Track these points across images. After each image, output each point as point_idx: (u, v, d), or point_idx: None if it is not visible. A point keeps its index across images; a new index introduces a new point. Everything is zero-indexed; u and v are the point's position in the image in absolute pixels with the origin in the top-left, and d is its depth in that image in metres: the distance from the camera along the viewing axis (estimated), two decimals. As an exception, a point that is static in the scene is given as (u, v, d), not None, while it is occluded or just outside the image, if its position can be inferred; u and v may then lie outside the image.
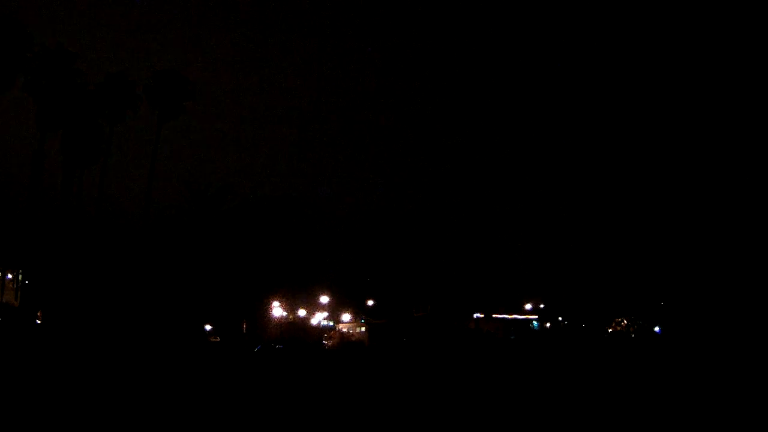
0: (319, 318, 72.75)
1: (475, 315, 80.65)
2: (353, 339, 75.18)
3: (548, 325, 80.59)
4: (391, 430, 18.89)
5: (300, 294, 65.68)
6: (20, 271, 57.40)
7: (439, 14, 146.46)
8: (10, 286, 60.90)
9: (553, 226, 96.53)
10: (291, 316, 67.66)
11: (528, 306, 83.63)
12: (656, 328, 76.00)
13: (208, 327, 60.25)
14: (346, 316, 78.31)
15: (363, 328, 78.67)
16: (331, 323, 78.36)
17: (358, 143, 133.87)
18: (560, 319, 78.86)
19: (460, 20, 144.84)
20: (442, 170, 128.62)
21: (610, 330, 79.56)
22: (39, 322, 53.27)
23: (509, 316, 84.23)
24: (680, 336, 66.88)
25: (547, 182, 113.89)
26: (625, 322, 78.45)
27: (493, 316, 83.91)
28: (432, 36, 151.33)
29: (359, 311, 79.04)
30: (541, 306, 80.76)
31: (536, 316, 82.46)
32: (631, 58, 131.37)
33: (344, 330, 79.49)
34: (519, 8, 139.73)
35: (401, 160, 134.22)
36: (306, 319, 69.92)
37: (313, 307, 69.75)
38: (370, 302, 78.86)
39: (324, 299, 69.57)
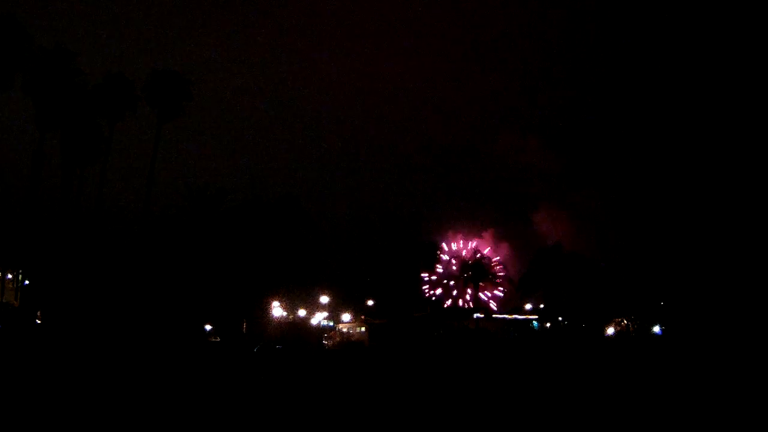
0: (319, 318, 72.63)
1: (475, 315, 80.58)
2: (353, 339, 75.05)
3: (548, 325, 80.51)
4: (392, 430, 18.84)
5: (300, 294, 65.52)
6: (20, 271, 57.37)
7: (437, 16, 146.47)
8: (10, 286, 60.86)
9: (553, 226, 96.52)
10: (291, 316, 67.54)
11: (528, 306, 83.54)
12: (656, 328, 75.91)
13: (208, 327, 60.16)
14: (346, 316, 78.16)
15: (363, 328, 78.49)
16: (331, 323, 78.25)
17: (358, 143, 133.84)
18: (560, 319, 78.77)
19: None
20: (441, 168, 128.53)
21: (610, 330, 79.46)
22: (39, 322, 53.23)
23: (509, 316, 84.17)
24: (680, 336, 66.83)
25: (547, 181, 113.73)
26: (625, 322, 78.35)
27: (493, 316, 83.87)
28: (432, 37, 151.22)
29: (359, 311, 78.92)
30: (541, 306, 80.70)
31: (536, 316, 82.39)
32: (629, 57, 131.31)
33: (344, 330, 79.36)
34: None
35: (401, 161, 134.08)
36: (306, 319, 69.80)
37: (313, 307, 69.61)
38: (370, 302, 78.74)
39: (324, 299, 69.46)
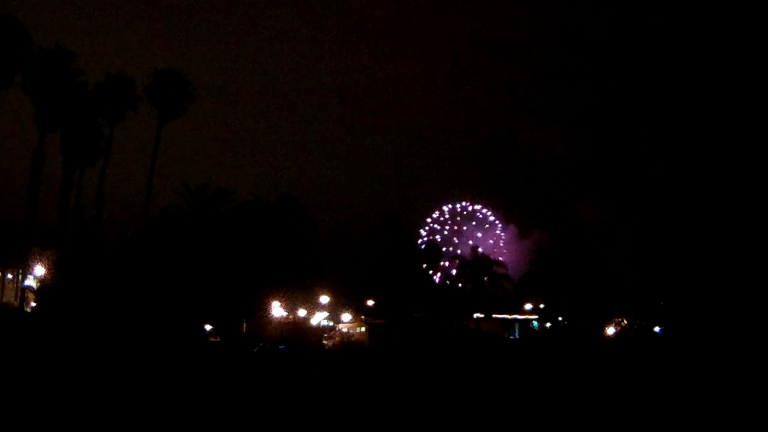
0: (319, 318, 72.63)
1: (475, 315, 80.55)
2: (353, 339, 75.07)
3: (548, 325, 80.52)
4: (392, 431, 18.85)
5: (300, 294, 65.48)
6: (20, 271, 57.38)
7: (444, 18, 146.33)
8: (10, 286, 60.84)
9: (553, 226, 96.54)
10: (291, 316, 67.49)
11: (528, 306, 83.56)
12: (656, 328, 75.93)
13: (208, 327, 60.17)
14: (346, 316, 78.19)
15: (363, 328, 78.54)
16: (331, 323, 78.28)
17: (358, 143, 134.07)
18: (560, 319, 78.77)
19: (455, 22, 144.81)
20: (441, 168, 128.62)
21: (610, 330, 79.45)
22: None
23: (509, 316, 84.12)
24: (680, 336, 66.85)
25: (547, 182, 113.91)
26: (626, 322, 78.37)
27: (493, 316, 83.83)
28: (433, 39, 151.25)
29: (359, 311, 78.95)
30: (541, 306, 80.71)
31: (536, 316, 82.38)
32: (631, 57, 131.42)
33: (344, 330, 79.37)
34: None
35: (400, 160, 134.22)
36: (306, 319, 69.77)
37: (313, 307, 69.58)
38: (370, 302, 78.75)
39: (324, 299, 69.44)
